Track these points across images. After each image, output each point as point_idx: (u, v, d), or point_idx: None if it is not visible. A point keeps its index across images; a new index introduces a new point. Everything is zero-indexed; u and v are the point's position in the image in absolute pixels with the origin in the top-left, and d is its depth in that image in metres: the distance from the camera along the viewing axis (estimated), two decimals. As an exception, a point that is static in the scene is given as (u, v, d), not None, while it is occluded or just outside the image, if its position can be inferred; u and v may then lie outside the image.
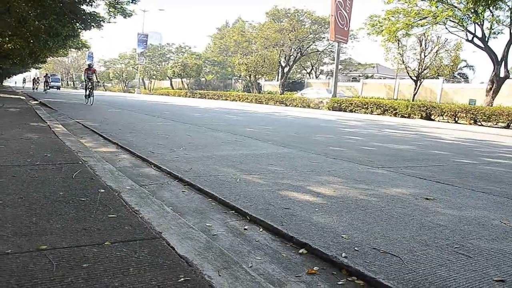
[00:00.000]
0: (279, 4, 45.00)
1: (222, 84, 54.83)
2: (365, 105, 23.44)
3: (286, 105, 28.95)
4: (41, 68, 64.42)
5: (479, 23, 21.59)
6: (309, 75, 49.99)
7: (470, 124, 18.53)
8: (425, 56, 23.22)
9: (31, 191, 2.58)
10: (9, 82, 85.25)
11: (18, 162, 3.48)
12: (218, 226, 2.44)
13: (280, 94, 35.51)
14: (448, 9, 21.53)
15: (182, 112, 14.45)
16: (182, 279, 1.54)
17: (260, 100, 32.58)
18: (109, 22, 19.81)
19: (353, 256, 1.97)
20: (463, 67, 41.67)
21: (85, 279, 1.49)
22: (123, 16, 19.34)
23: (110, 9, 18.85)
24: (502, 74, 21.33)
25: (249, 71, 37.73)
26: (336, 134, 9.14)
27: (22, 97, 19.01)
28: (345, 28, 28.11)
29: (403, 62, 24.13)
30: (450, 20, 22.43)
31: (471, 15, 21.11)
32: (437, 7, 22.11)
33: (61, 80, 71.71)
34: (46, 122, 7.09)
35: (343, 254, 1.98)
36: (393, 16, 24.16)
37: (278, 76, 45.78)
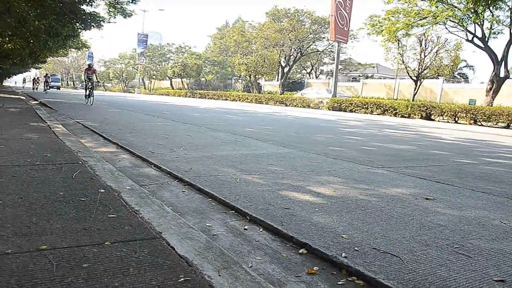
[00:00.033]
0: (279, 4, 45.07)
1: (222, 84, 54.83)
2: (365, 105, 23.44)
3: (286, 105, 28.96)
4: (41, 68, 64.41)
5: (479, 23, 21.59)
6: (309, 75, 49.99)
7: (470, 124, 18.53)
8: (425, 56, 23.22)
9: (31, 191, 2.58)
10: (9, 82, 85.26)
11: (18, 162, 3.48)
12: (218, 226, 2.44)
13: (280, 94, 35.51)
14: (448, 9, 21.53)
15: (182, 112, 14.45)
16: (182, 279, 1.54)
17: (260, 100, 32.58)
18: (109, 22, 19.82)
19: (353, 256, 1.97)
20: (463, 67, 41.68)
21: (85, 279, 1.49)
22: (123, 16, 19.34)
23: (110, 9, 18.85)
24: (502, 74, 21.33)
25: (249, 71, 37.73)
26: (336, 134, 9.14)
27: (22, 97, 19.01)
28: (345, 28, 28.11)
29: (403, 62, 24.13)
30: (450, 20, 22.44)
31: (471, 15, 21.11)
32: (437, 7, 22.11)
33: (61, 80, 71.69)
34: (46, 122, 7.09)
35: (343, 254, 1.98)
36: (393, 16, 24.16)
37: (278, 76, 45.78)
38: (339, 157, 5.34)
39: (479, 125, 18.05)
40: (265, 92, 40.75)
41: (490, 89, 21.47)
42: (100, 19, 19.37)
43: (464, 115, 18.87)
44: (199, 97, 42.40)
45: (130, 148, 5.01)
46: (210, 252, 1.81)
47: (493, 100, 21.16)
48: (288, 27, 42.22)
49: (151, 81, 63.22)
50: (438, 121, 19.87)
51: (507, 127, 17.25)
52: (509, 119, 17.26)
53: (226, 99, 37.42)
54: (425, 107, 20.48)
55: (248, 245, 2.17)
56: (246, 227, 2.42)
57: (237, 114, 15.28)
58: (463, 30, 22.54)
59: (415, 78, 24.10)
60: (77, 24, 19.72)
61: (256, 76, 38.65)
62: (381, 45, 24.89)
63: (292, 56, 44.65)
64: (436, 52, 23.03)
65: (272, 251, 2.10)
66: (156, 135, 6.66)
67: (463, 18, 21.83)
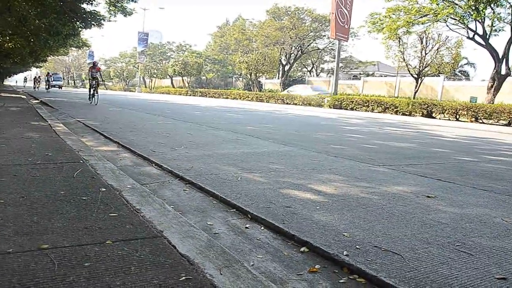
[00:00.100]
0: (279, 2, 44.85)
1: (223, 83, 54.79)
2: (366, 103, 23.40)
3: (287, 103, 28.93)
4: (41, 67, 64.43)
5: (480, 21, 21.53)
6: (310, 73, 49.93)
7: (471, 121, 18.49)
8: (426, 54, 23.15)
9: (32, 190, 2.58)
10: (10, 81, 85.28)
11: (19, 161, 3.49)
12: (220, 224, 2.44)
13: (281, 92, 35.49)
14: (449, 6, 21.47)
15: (183, 111, 14.45)
16: (184, 277, 1.54)
17: (260, 99, 32.55)
18: (110, 21, 19.77)
19: (354, 254, 1.97)
20: (464, 64, 41.63)
21: (87, 278, 1.49)
22: (123, 14, 19.30)
23: (110, 8, 18.82)
24: (503, 72, 21.27)
25: (249, 69, 37.68)
26: (337, 132, 9.13)
27: (23, 96, 19.02)
28: (346, 26, 28.06)
29: (404, 59, 24.05)
30: (451, 18, 22.37)
31: (472, 13, 21.05)
32: (438, 4, 22.04)
33: (62, 79, 71.69)
34: (47, 121, 7.09)
35: (345, 252, 1.98)
36: (393, 14, 24.09)
37: (278, 74, 45.73)
38: (340, 155, 5.34)
39: (480, 123, 18.02)
40: (266, 90, 40.71)
41: (491, 86, 21.42)
42: (101, 18, 19.34)
43: (465, 112, 18.83)
44: (200, 96, 42.39)
45: (131, 147, 5.02)
46: (212, 250, 1.81)
47: (494, 97, 21.11)
48: (289, 25, 42.16)
49: (151, 80, 63.19)
50: (439, 118, 19.84)
51: (508, 124, 17.22)
52: (511, 116, 17.21)
53: (227, 98, 37.40)
54: (426, 105, 20.45)
55: (249, 243, 2.17)
56: (247, 226, 2.42)
57: (238, 113, 15.28)
58: (464, 28, 22.49)
59: (416, 76, 24.04)
60: (78, 22, 19.70)
61: (257, 74, 38.61)
62: (382, 43, 24.82)
63: (292, 54, 44.60)
64: (437, 49, 22.96)
65: (273, 249, 2.10)
66: (157, 134, 6.66)
67: (464, 16, 21.78)
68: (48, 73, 36.76)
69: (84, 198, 2.49)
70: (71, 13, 17.98)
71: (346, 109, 24.22)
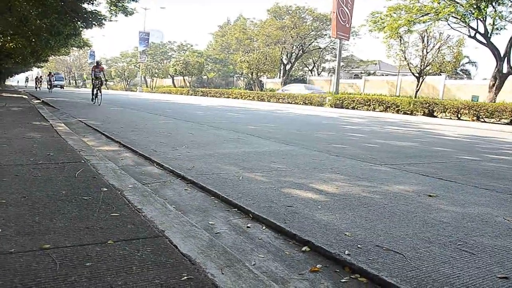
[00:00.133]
0: (280, 1, 44.96)
1: (224, 82, 54.81)
2: (367, 102, 23.37)
3: (289, 103, 28.93)
4: (43, 67, 64.53)
5: (481, 19, 21.49)
6: (311, 72, 49.92)
7: (473, 120, 18.46)
8: (427, 53, 23.09)
9: (34, 190, 2.58)
10: (11, 81, 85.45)
11: (21, 161, 3.49)
12: (221, 224, 2.44)
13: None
14: (450, 5, 21.44)
15: (184, 110, 14.45)
16: (185, 277, 1.54)
17: (262, 98, 32.54)
18: (111, 21, 19.78)
19: (356, 254, 1.97)
20: (466, 63, 41.51)
21: (88, 278, 1.49)
22: (124, 14, 19.31)
23: (111, 8, 18.83)
24: (505, 70, 21.24)
25: (251, 69, 37.67)
26: (338, 131, 9.13)
27: (24, 96, 19.05)
28: (347, 25, 28.03)
29: (405, 58, 24.00)
30: (453, 16, 22.34)
31: (473, 11, 21.02)
32: (439, 3, 22.01)
33: (64, 79, 71.72)
34: (49, 121, 7.10)
35: (346, 252, 1.98)
36: (395, 13, 24.07)
37: (280, 73, 45.74)
38: (342, 154, 5.33)
39: (482, 122, 17.98)
40: (267, 89, 40.71)
41: (493, 85, 21.39)
42: (102, 18, 19.35)
43: (467, 111, 18.80)
44: (201, 95, 42.40)
45: (132, 147, 5.02)
46: (213, 250, 1.81)
47: (496, 96, 21.08)
48: (290, 24, 42.15)
49: (153, 79, 63.24)
50: (441, 117, 19.81)
51: (510, 123, 17.18)
52: (512, 115, 17.18)
53: (228, 97, 37.40)
54: (427, 104, 20.42)
55: (251, 243, 2.17)
56: (249, 225, 2.42)
57: (239, 112, 15.28)
58: (465, 26, 22.45)
59: (417, 75, 24.00)
60: (79, 22, 19.71)
61: (258, 74, 38.60)
62: (383, 42, 24.78)
63: (294, 54, 44.60)
64: (439, 48, 22.90)
65: (275, 249, 2.10)
66: (158, 133, 6.67)
67: (465, 14, 21.74)
68: (50, 73, 36.46)
69: (86, 198, 2.50)
70: (72, 13, 17.99)
71: (348, 108, 24.20)
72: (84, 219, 2.12)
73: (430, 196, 3.22)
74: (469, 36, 22.53)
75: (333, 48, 43.92)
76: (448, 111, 19.58)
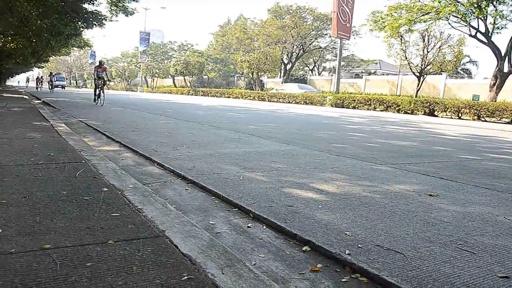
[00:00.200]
0: (281, 1, 44.98)
1: (225, 82, 54.80)
2: (368, 101, 23.37)
3: (289, 102, 28.93)
4: (43, 67, 64.53)
5: (482, 18, 21.47)
6: (312, 72, 49.90)
7: (474, 120, 18.44)
8: (428, 52, 23.08)
9: (34, 191, 2.59)
10: (12, 82, 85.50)
11: (22, 161, 3.49)
12: (222, 224, 2.44)
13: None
14: (451, 4, 21.41)
15: (184, 110, 14.46)
16: (186, 277, 1.54)
17: (262, 98, 32.55)
18: (111, 21, 19.80)
19: (356, 253, 1.97)
20: (466, 62, 41.46)
21: (89, 278, 1.49)
22: (125, 14, 19.32)
23: (112, 8, 18.84)
24: (505, 69, 21.21)
25: (251, 69, 37.67)
26: (339, 131, 9.12)
27: (25, 97, 19.07)
28: (347, 24, 28.01)
29: (406, 58, 23.99)
30: (453, 16, 22.32)
31: (474, 10, 21.00)
32: (440, 2, 21.99)
33: (65, 79, 71.71)
34: (49, 121, 7.11)
35: (347, 251, 1.98)
36: (395, 12, 24.05)
37: (280, 73, 45.74)
38: (342, 154, 5.33)
39: (483, 121, 17.96)
40: (267, 89, 40.72)
41: (494, 84, 21.36)
42: (102, 18, 19.36)
43: (468, 111, 18.79)
44: (201, 95, 42.41)
45: (133, 147, 5.02)
46: (214, 250, 1.81)
47: (497, 95, 21.05)
48: (290, 24, 42.14)
49: (153, 79, 63.27)
50: (442, 117, 19.79)
51: (511, 122, 17.17)
52: (513, 114, 17.17)
53: (229, 97, 37.40)
54: (428, 103, 20.40)
55: (251, 242, 2.17)
56: (249, 225, 2.42)
57: (240, 112, 15.28)
58: (466, 25, 22.42)
59: (418, 74, 23.99)
60: (79, 23, 19.73)
61: (259, 73, 38.61)
62: (383, 41, 24.77)
63: (294, 53, 44.59)
64: (439, 47, 22.89)
65: (275, 248, 2.10)
66: (159, 133, 6.67)
67: (466, 13, 21.72)
68: (51, 73, 36.07)
69: (86, 198, 2.50)
70: (73, 13, 18.00)
71: (348, 107, 24.19)
72: (84, 219, 2.12)
73: (430, 195, 3.22)
74: (470, 35, 22.51)
75: (334, 47, 43.90)
76: (448, 110, 19.56)
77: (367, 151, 5.79)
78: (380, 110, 22.55)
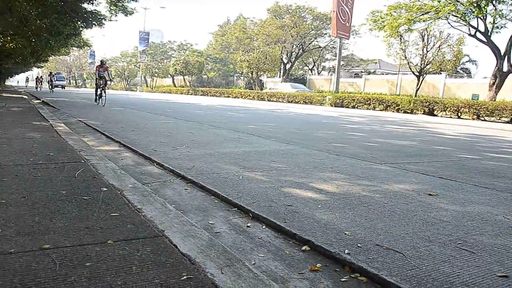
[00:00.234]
0: (280, 1, 44.94)
1: (224, 81, 54.80)
2: (367, 101, 23.38)
3: (289, 102, 28.93)
4: (43, 67, 64.50)
5: (481, 18, 21.48)
6: (311, 72, 49.91)
7: (473, 119, 18.45)
8: (427, 51, 23.08)
9: (34, 190, 2.59)
10: (11, 82, 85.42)
11: (21, 161, 3.49)
12: (221, 223, 2.44)
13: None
14: (450, 3, 21.42)
15: (184, 110, 14.45)
16: (185, 277, 1.54)
17: (262, 97, 32.56)
18: (111, 20, 19.78)
19: (356, 253, 1.97)
20: (466, 62, 41.48)
21: (88, 278, 1.49)
22: (124, 14, 19.30)
23: (111, 7, 18.82)
24: (505, 69, 21.22)
25: (251, 68, 37.69)
26: (338, 131, 9.12)
27: (24, 96, 19.06)
28: (347, 24, 28.02)
29: (406, 57, 24.00)
30: (453, 15, 22.32)
31: (473, 10, 21.00)
32: (439, 1, 22.00)
33: (65, 79, 71.57)
34: (49, 121, 7.10)
35: (346, 251, 1.98)
36: (395, 11, 24.06)
37: (280, 72, 45.73)
38: (342, 153, 5.33)
39: (482, 120, 17.97)
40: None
41: (493, 84, 21.37)
42: (102, 17, 19.34)
43: (467, 110, 18.80)
44: (201, 95, 42.40)
45: (132, 146, 5.02)
46: (213, 249, 1.81)
47: (496, 95, 21.07)
48: (290, 23, 42.15)
49: (153, 79, 63.26)
50: (441, 116, 19.80)
51: (511, 122, 17.18)
52: (513, 113, 17.18)
53: (228, 96, 37.40)
54: (427, 103, 20.41)
55: (251, 242, 2.17)
56: (249, 225, 2.42)
57: (239, 111, 15.27)
58: (465, 25, 22.44)
59: (417, 74, 24.00)
60: (79, 22, 19.70)
61: (258, 73, 38.63)
62: (383, 40, 24.78)
63: (294, 53, 44.59)
64: (439, 47, 22.90)
65: (275, 248, 2.10)
66: (158, 133, 6.67)
67: (465, 13, 21.72)
68: (50, 72, 35.77)
69: (86, 198, 2.50)
70: (72, 13, 17.98)
71: (348, 107, 24.21)
72: (84, 219, 2.12)
73: (430, 195, 3.22)
74: (469, 34, 22.52)
75: (333, 47, 43.91)
76: (448, 109, 19.58)
77: (366, 150, 5.79)
78: (380, 110, 22.56)
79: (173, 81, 56.43)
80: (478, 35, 22.07)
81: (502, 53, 21.17)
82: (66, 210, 2.24)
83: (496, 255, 2.02)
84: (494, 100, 19.93)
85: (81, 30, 22.08)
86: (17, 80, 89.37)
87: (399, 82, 33.39)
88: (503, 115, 17.53)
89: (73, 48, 41.42)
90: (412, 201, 3.00)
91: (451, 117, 19.31)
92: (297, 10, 43.07)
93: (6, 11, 16.29)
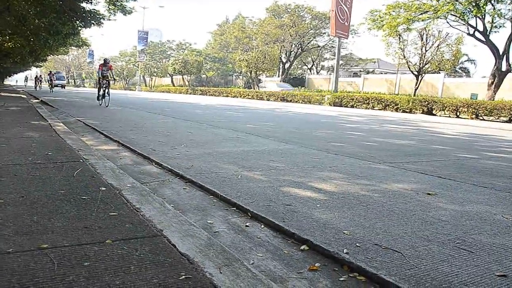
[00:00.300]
0: (279, 0, 44.86)
1: (223, 81, 54.77)
2: (366, 100, 23.39)
3: (287, 101, 28.94)
4: (41, 66, 64.34)
5: (480, 17, 21.49)
6: (310, 71, 49.91)
7: (472, 118, 18.47)
8: (426, 51, 23.11)
9: (32, 190, 2.58)
10: (10, 81, 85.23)
11: (19, 161, 3.48)
12: (220, 223, 2.44)
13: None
14: (449, 3, 21.42)
15: (183, 109, 14.44)
16: (183, 276, 1.54)
17: (261, 97, 32.55)
18: (109, 20, 19.73)
19: (354, 252, 1.97)
20: (465, 61, 41.48)
21: (86, 277, 1.49)
22: (123, 13, 19.27)
23: (110, 7, 18.79)
24: (503, 68, 21.25)
25: (249, 68, 37.66)
26: (337, 130, 9.13)
27: (23, 96, 19.02)
28: (346, 23, 28.03)
29: (404, 57, 24.03)
30: (451, 14, 22.33)
31: (472, 9, 21.01)
32: (438, 1, 22.01)
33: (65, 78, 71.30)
34: (47, 121, 7.09)
35: (345, 250, 1.98)
36: (394, 11, 24.06)
37: (279, 72, 45.73)
38: (340, 152, 5.33)
39: (481, 120, 18.00)
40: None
41: (492, 83, 21.40)
42: (100, 17, 19.30)
43: (466, 109, 18.82)
44: (200, 94, 42.37)
45: (131, 146, 5.01)
46: (212, 249, 1.81)
47: (495, 94, 21.10)
48: (289, 22, 42.15)
49: (152, 78, 63.20)
50: (440, 115, 19.82)
51: (509, 121, 17.20)
52: (511, 113, 17.20)
53: (227, 96, 37.39)
54: (426, 102, 20.44)
55: (249, 242, 2.17)
56: (247, 224, 2.42)
57: (238, 111, 15.27)
58: (464, 24, 22.45)
59: (416, 73, 24.02)
60: (77, 22, 19.65)
61: (257, 73, 38.61)
62: (382, 40, 24.79)
63: (292, 52, 44.60)
64: (437, 46, 22.92)
65: (273, 247, 2.10)
66: (157, 133, 6.66)
67: (464, 12, 21.73)
68: (50, 72, 35.37)
69: (84, 197, 2.49)
70: (71, 12, 17.94)
71: (347, 106, 24.22)
72: (82, 218, 2.11)
73: (429, 194, 3.22)
74: (468, 34, 22.53)
75: (332, 46, 43.94)
76: (447, 109, 19.60)
77: (365, 150, 5.79)
78: (379, 109, 22.58)
79: (172, 81, 56.37)
80: (477, 34, 22.09)
81: (501, 53, 21.19)
82: (64, 210, 2.23)
83: (494, 254, 2.02)
84: (493, 100, 19.95)
85: (80, 30, 22.04)
86: (16, 80, 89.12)
87: (398, 82, 33.43)
88: (502, 115, 17.55)
89: (72, 47, 41.28)
90: (411, 200, 3.00)
91: (450, 117, 19.33)
92: (296, 9, 43.08)
93: (5, 10, 16.25)
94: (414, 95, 23.49)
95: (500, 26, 22.07)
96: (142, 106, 15.27)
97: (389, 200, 2.98)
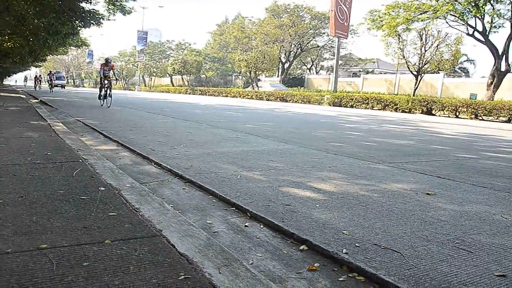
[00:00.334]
0: (278, 0, 44.88)
1: (223, 81, 54.76)
2: (365, 100, 23.39)
3: (287, 101, 28.94)
4: (41, 66, 64.27)
5: (479, 17, 21.50)
6: (310, 71, 49.93)
7: (471, 118, 18.48)
8: (425, 51, 23.12)
9: (31, 190, 2.58)
10: (9, 81, 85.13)
11: (19, 161, 3.48)
12: (219, 223, 2.44)
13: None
14: (448, 3, 21.43)
15: (182, 109, 14.44)
16: (183, 276, 1.54)
17: (260, 97, 32.55)
18: (109, 20, 19.73)
19: (354, 252, 1.97)
20: (464, 61, 41.48)
21: (85, 277, 1.49)
22: (122, 13, 19.27)
23: (109, 7, 18.78)
24: (503, 68, 21.26)
25: (249, 67, 37.63)
26: (336, 130, 9.13)
27: (22, 96, 19.00)
28: (345, 23, 28.02)
29: (404, 57, 24.03)
30: (451, 14, 22.34)
31: (471, 9, 21.02)
32: (437, 1, 22.02)
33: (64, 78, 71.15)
34: (47, 121, 7.09)
35: (344, 250, 1.98)
36: (393, 11, 24.07)
37: (278, 72, 45.74)
38: (340, 152, 5.33)
39: (480, 120, 18.00)
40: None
41: (491, 83, 21.41)
42: (100, 17, 19.29)
43: (465, 109, 18.83)
44: (199, 94, 42.35)
45: (130, 146, 5.01)
46: (211, 249, 1.81)
47: (494, 94, 21.11)
48: (288, 22, 42.16)
49: (151, 78, 63.17)
50: (439, 115, 19.83)
51: (508, 121, 17.21)
52: (510, 113, 17.21)
53: (227, 96, 37.38)
54: (426, 102, 20.44)
55: (248, 242, 2.17)
56: (246, 224, 2.42)
57: (238, 111, 15.27)
58: (463, 24, 22.46)
59: (415, 73, 24.02)
60: (77, 22, 19.64)
61: (257, 72, 38.58)
62: (381, 40, 24.80)
63: (292, 52, 44.61)
64: (437, 46, 22.93)
65: (273, 247, 2.10)
66: (156, 133, 6.66)
67: (463, 12, 21.75)
68: (50, 71, 35.16)
69: (83, 197, 2.49)
70: (70, 12, 17.93)
71: (346, 106, 24.22)
72: (81, 218, 2.11)
73: (428, 194, 3.22)
74: (467, 34, 22.54)
75: (332, 46, 43.94)
76: (446, 109, 19.61)
77: (364, 150, 5.79)
78: (378, 109, 22.58)
79: (171, 81, 56.34)
80: (476, 34, 22.10)
81: (500, 53, 21.21)
82: (63, 210, 2.23)
83: (494, 255, 2.02)
84: (492, 100, 19.97)
85: (79, 30, 22.05)
86: (15, 80, 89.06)
87: (397, 82, 33.44)
88: (501, 115, 17.56)
89: (71, 47, 41.23)
90: (410, 200, 3.00)
91: (449, 117, 19.33)
92: (295, 9, 43.10)
93: (4, 10, 16.25)
94: (414, 95, 23.49)
95: (500, 26, 22.10)
96: (141, 106, 15.27)
97: (388, 200, 2.98)
